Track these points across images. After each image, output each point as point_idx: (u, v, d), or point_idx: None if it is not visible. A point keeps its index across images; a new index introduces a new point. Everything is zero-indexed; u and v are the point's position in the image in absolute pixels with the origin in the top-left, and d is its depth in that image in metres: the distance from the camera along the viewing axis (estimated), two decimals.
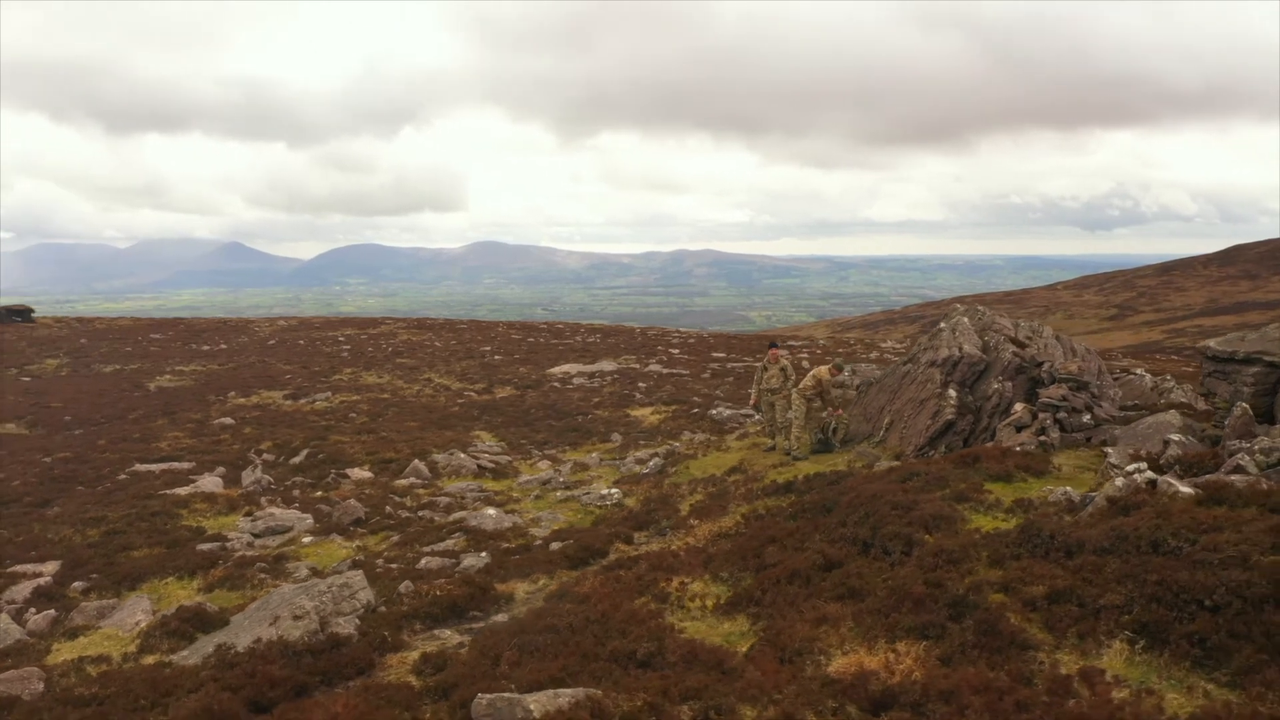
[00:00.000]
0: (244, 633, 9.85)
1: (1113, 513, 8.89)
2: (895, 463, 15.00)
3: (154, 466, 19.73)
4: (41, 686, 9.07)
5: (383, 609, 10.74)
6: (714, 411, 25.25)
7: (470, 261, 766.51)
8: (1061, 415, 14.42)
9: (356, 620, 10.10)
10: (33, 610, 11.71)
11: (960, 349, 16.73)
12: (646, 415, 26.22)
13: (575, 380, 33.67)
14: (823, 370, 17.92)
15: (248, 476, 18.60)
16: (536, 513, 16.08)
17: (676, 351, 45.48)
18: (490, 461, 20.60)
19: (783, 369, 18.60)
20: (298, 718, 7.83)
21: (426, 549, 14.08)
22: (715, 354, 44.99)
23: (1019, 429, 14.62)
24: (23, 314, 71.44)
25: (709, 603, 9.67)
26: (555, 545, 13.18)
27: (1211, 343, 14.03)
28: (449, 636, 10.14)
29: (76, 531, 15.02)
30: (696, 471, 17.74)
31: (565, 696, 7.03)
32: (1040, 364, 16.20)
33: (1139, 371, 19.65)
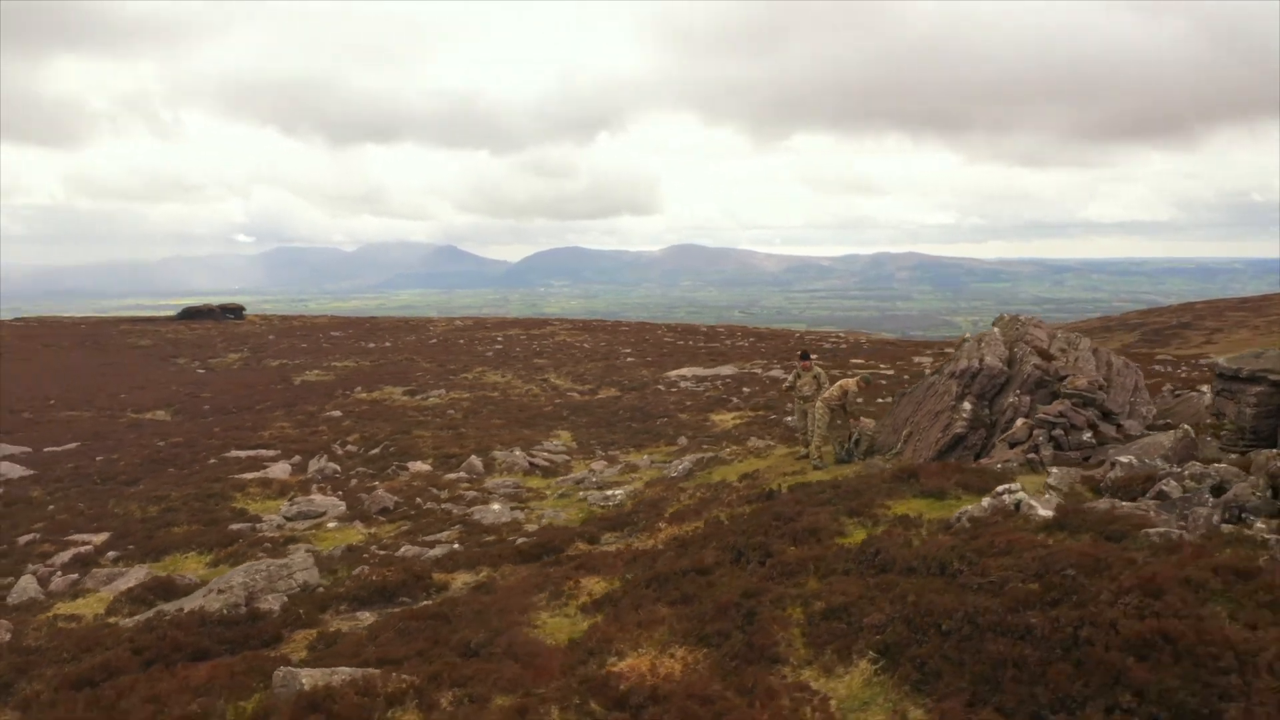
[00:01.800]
0: (189, 603, 11.03)
1: (968, 533, 8.63)
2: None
3: (244, 453, 21.76)
4: (8, 637, 10.53)
5: (321, 589, 11.70)
6: (790, 419, 25.10)
7: (668, 264, 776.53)
8: (1057, 433, 13.72)
9: (285, 599, 11.08)
10: (60, 574, 13.45)
11: (980, 361, 16.11)
12: (727, 420, 26.35)
13: (684, 384, 34.09)
14: (849, 382, 17.68)
15: (313, 465, 20.25)
16: (545, 510, 16.74)
17: (815, 356, 45.07)
18: (546, 460, 21.42)
19: (815, 376, 18.47)
20: (169, 675, 8.84)
21: (424, 538, 15.01)
22: (854, 360, 44.26)
23: (1013, 445, 14.02)
24: (235, 311, 78.81)
25: (584, 600, 10.03)
26: (521, 541, 13.79)
27: (1221, 359, 13.03)
28: (365, 618, 10.93)
29: (140, 508, 16.94)
30: (717, 477, 17.89)
31: (342, 674, 7.66)
32: (1064, 378, 15.40)
33: (1202, 389, 18.09)
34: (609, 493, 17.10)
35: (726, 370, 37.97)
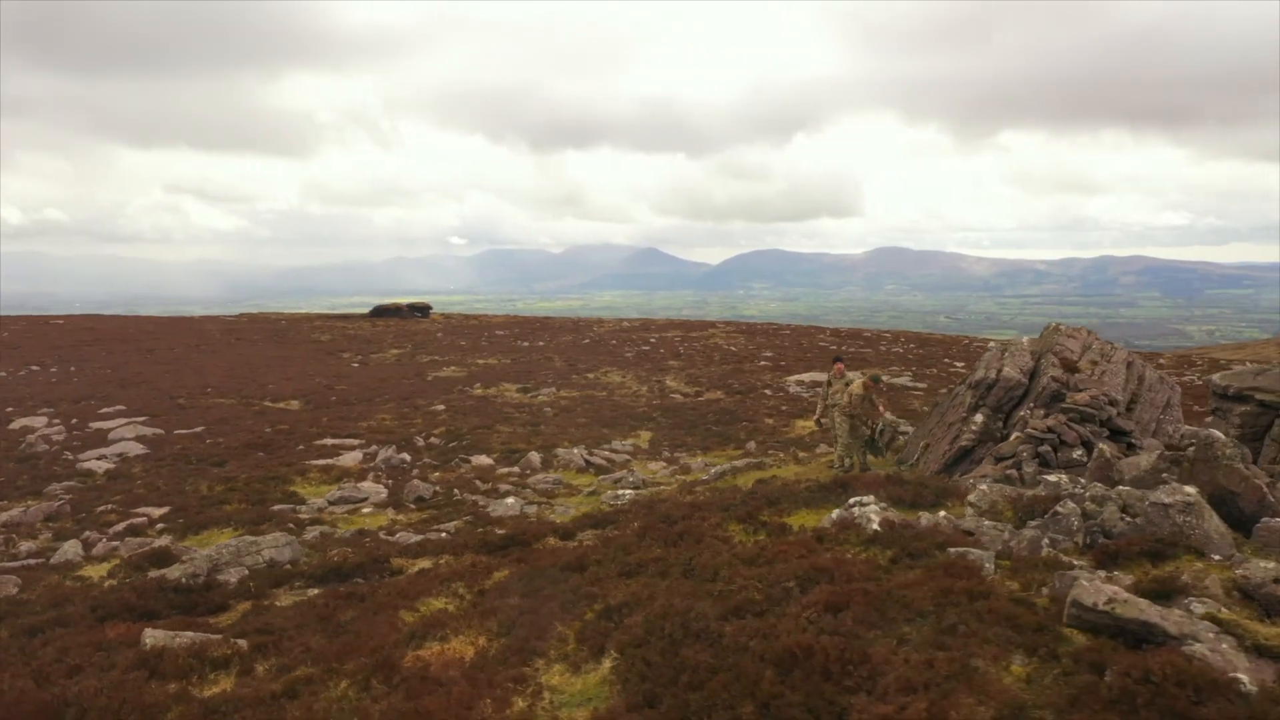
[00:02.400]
0: (171, 571, 12.28)
1: (771, 542, 8.52)
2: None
3: (332, 441, 23.49)
4: (15, 590, 12.10)
5: (288, 567, 12.71)
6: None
7: (871, 267, 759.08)
8: (1044, 449, 12.99)
9: (246, 573, 12.14)
10: (106, 541, 15.17)
11: (998, 372, 15.37)
12: (807, 426, 26.01)
13: (793, 389, 33.77)
14: (856, 385, 17.29)
15: (381, 455, 21.62)
16: (561, 505, 17.27)
17: (961, 365, 43.46)
18: (603, 459, 21.95)
19: (848, 384, 18.13)
20: (94, 631, 9.99)
21: (435, 527, 15.90)
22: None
23: (999, 460, 13.38)
24: (422, 310, 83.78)
25: (479, 589, 10.49)
26: (500, 532, 14.37)
27: (1216, 376, 11.98)
28: (312, 594, 11.83)
29: (208, 486, 18.72)
30: (740, 481, 17.86)
31: (184, 638, 8.51)
32: (1082, 391, 14.49)
33: None
34: (622, 492, 17.43)
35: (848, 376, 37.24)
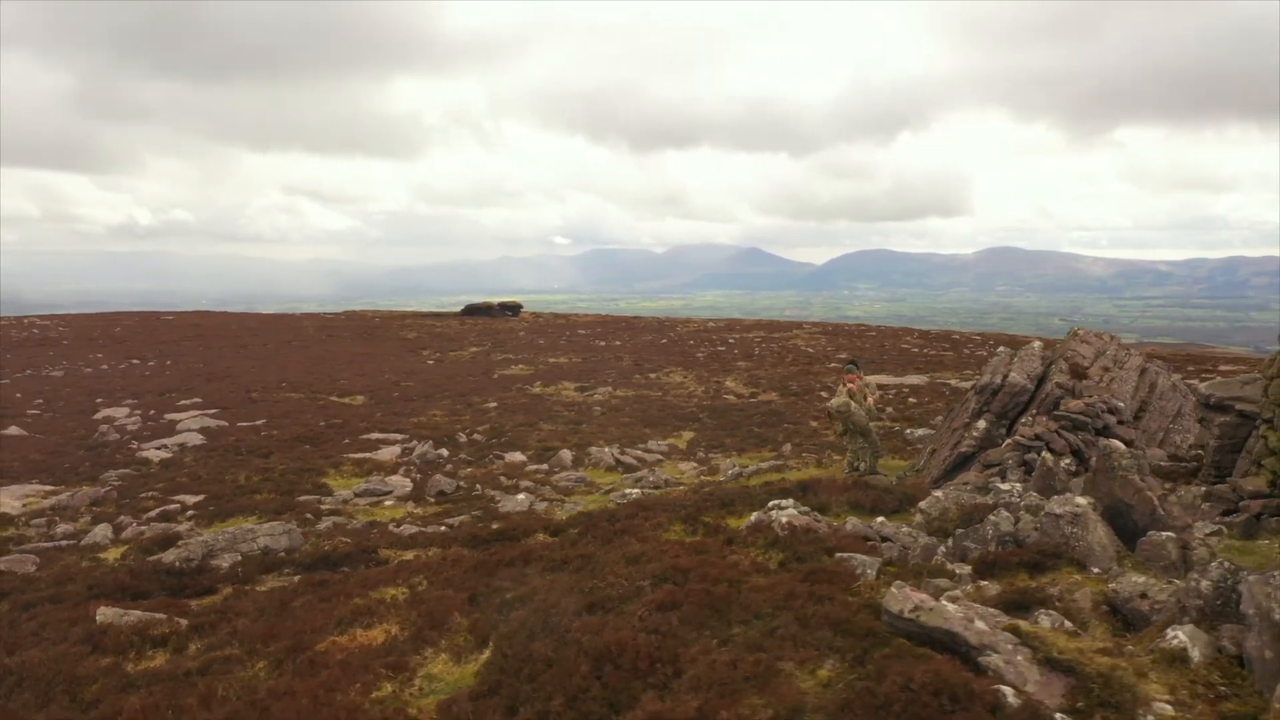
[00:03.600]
0: (169, 555, 13.02)
1: (716, 541, 8.61)
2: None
3: (378, 435, 24.32)
4: (32, 569, 13.01)
5: (281, 554, 13.31)
6: (909, 431, 24.16)
7: (982, 268, 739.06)
8: (1030, 456, 12.70)
9: (239, 558, 12.79)
10: (135, 524, 16.11)
11: (1004, 377, 15.03)
12: None
13: None
14: (842, 390, 17.12)
15: (417, 450, 22.29)
16: (574, 503, 17.57)
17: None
18: (634, 459, 22.19)
19: (865, 385, 17.91)
20: (80, 609, 10.72)
21: (446, 520, 16.38)
22: None
23: (986, 467, 13.13)
24: (513, 309, 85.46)
25: (431, 579, 10.86)
26: (495, 526, 14.74)
27: (1203, 385, 11.54)
28: (294, 582, 12.39)
29: (246, 476, 19.64)
30: (753, 482, 17.84)
31: (132, 616, 9.08)
32: (1077, 399, 14.09)
33: None
34: (630, 491, 17.62)
35: (914, 380, 36.61)
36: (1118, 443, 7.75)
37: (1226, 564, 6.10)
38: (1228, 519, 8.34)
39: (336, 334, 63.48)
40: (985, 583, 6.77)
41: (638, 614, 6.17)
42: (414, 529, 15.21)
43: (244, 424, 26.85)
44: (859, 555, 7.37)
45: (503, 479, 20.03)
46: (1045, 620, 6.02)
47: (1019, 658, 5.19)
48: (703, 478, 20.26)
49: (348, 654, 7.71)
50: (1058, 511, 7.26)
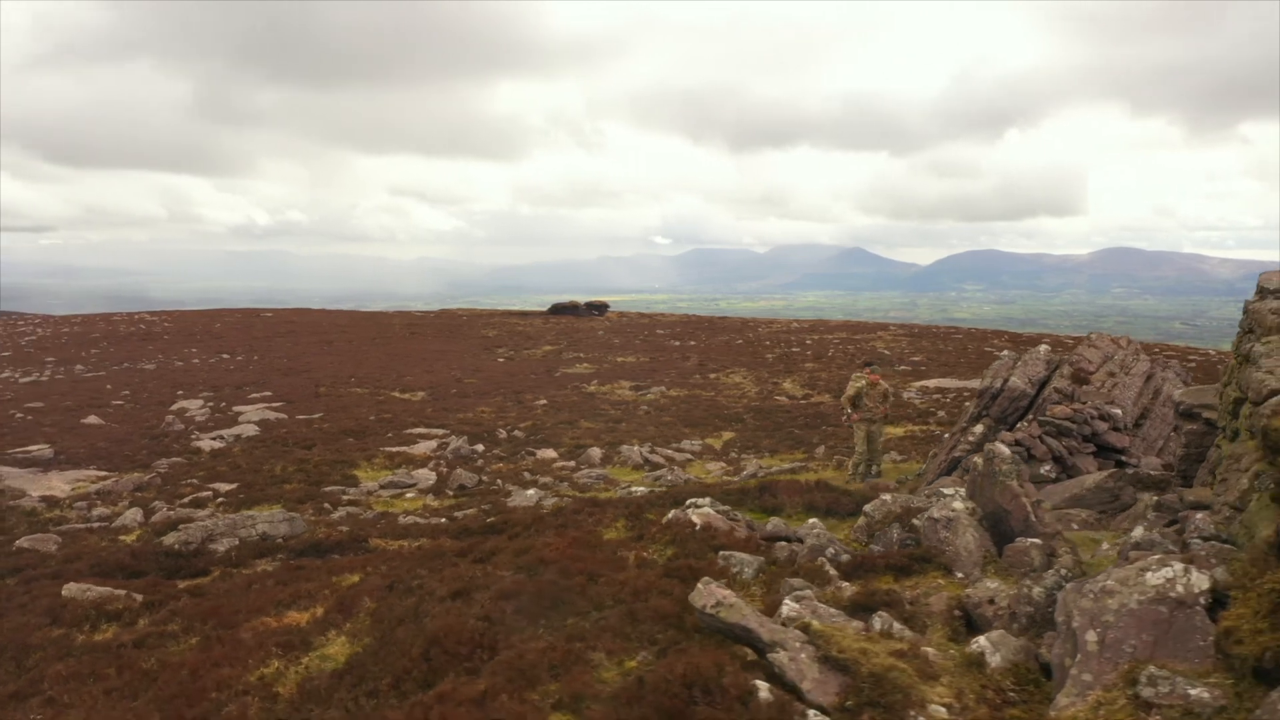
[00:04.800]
0: (171, 537, 13.79)
1: (650, 533, 8.79)
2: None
3: (421, 430, 25.05)
4: (53, 548, 13.95)
5: (279, 540, 13.96)
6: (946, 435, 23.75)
7: (1096, 269, 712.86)
8: None
9: (236, 542, 13.46)
10: (166, 509, 17.04)
11: (1004, 381, 14.73)
12: (893, 432, 25.40)
13: (907, 394, 32.87)
14: (851, 387, 16.96)
15: (452, 445, 22.91)
16: (623, 499, 17.89)
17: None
18: (662, 458, 22.37)
19: (882, 392, 17.74)
20: (86, 582, 11.50)
21: (455, 514, 16.89)
22: None
23: (965, 472, 12.90)
24: (599, 308, 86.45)
25: (389, 567, 11.27)
26: (491, 519, 15.12)
27: (1178, 393, 11.17)
28: (275, 567, 12.99)
29: (282, 467, 20.52)
30: (752, 483, 17.87)
31: (94, 592, 9.71)
32: (1081, 404, 13.73)
33: None
34: (637, 489, 17.82)
35: (974, 383, 35.82)
36: (1002, 447, 7.63)
37: (1063, 571, 6.03)
38: (1169, 529, 8.14)
39: (421, 332, 65.19)
40: (846, 584, 6.79)
41: (481, 601, 6.42)
42: (417, 520, 15.72)
43: (301, 417, 27.98)
44: (742, 555, 7.45)
45: (526, 475, 20.46)
46: (878, 623, 6.04)
47: (803, 655, 5.25)
48: (725, 477, 20.32)
49: (263, 634, 8.15)
50: (936, 516, 7.22)
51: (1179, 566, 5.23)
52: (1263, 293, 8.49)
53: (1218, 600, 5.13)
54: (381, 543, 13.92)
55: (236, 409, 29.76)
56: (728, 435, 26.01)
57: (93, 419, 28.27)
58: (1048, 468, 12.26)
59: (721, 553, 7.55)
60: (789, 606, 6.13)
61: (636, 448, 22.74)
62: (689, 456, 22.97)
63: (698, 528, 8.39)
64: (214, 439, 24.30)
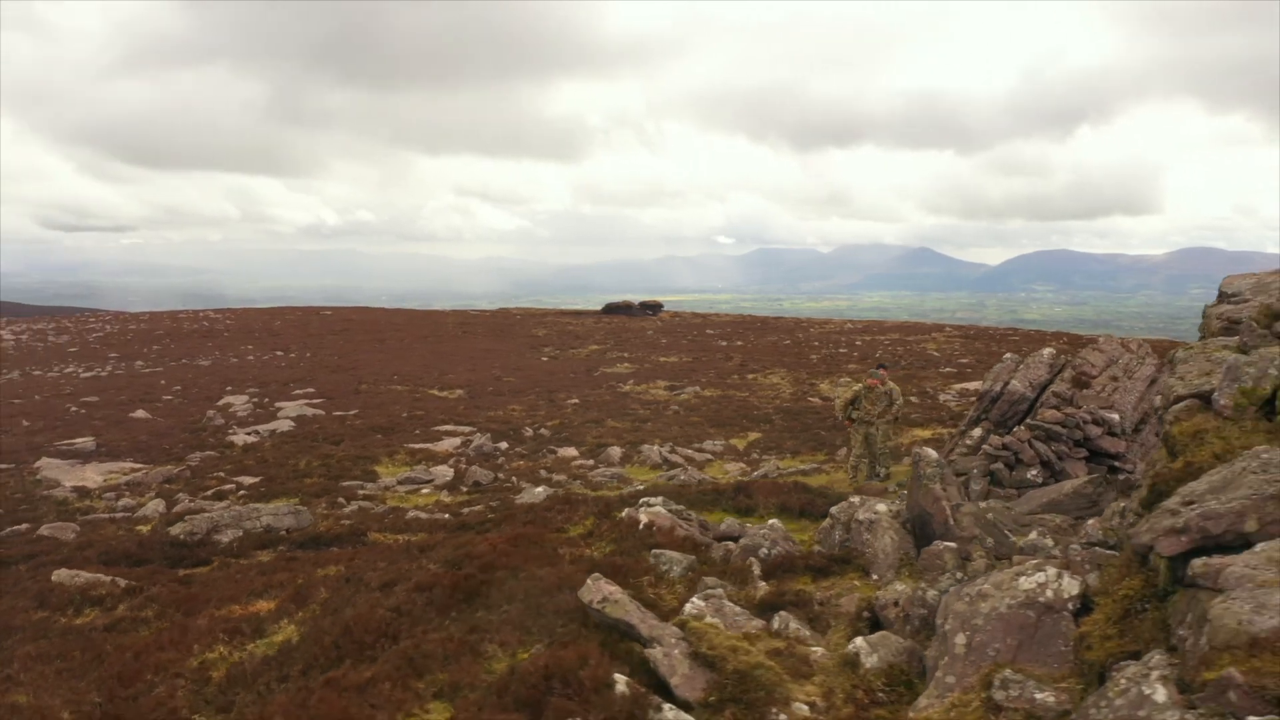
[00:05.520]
0: (177, 528, 14.31)
1: (599, 530, 8.95)
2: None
3: (449, 427, 25.50)
4: (71, 536, 14.57)
5: (282, 532, 14.40)
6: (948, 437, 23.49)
7: (1173, 270, 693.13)
8: (996, 466, 12.35)
9: (240, 534, 13.93)
10: (188, 500, 17.64)
11: (1003, 384, 14.57)
12: (920, 434, 25.17)
13: (944, 397, 32.50)
14: (849, 390, 16.86)
15: (475, 442, 23.29)
16: (598, 496, 18.07)
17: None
18: (681, 458, 22.47)
19: (888, 392, 17.63)
20: (91, 570, 12.03)
21: (464, 510, 17.22)
22: None
23: (957, 475, 12.81)
24: (653, 308, 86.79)
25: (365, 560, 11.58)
26: (491, 516, 15.38)
27: (1157, 399, 10.97)
28: (270, 558, 13.40)
29: (306, 462, 21.07)
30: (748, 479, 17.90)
31: (81, 577, 10.16)
32: (1075, 408, 13.53)
33: None
34: (638, 486, 17.96)
35: None
36: (929, 451, 7.62)
37: (959, 575, 6.05)
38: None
39: (472, 330, 66.07)
40: (764, 584, 6.87)
41: (399, 593, 6.64)
42: (421, 515, 16.06)
43: (338, 413, 28.65)
44: (673, 553, 7.57)
45: (543, 473, 20.72)
46: (776, 622, 6.12)
47: (676, 651, 5.36)
48: (740, 478, 20.35)
49: (222, 620, 8.48)
50: (860, 518, 7.25)
51: (1052, 572, 5.23)
52: (1221, 296, 8.36)
53: (1086, 606, 5.13)
54: (380, 537, 14.27)
55: (278, 405, 30.57)
56: (753, 436, 26.00)
57: (140, 413, 29.27)
58: (1034, 472, 12.12)
59: (654, 551, 7.67)
60: (694, 604, 6.24)
61: (656, 447, 22.87)
62: (709, 457, 23.03)
63: (640, 526, 8.52)
64: (249, 434, 25.03)
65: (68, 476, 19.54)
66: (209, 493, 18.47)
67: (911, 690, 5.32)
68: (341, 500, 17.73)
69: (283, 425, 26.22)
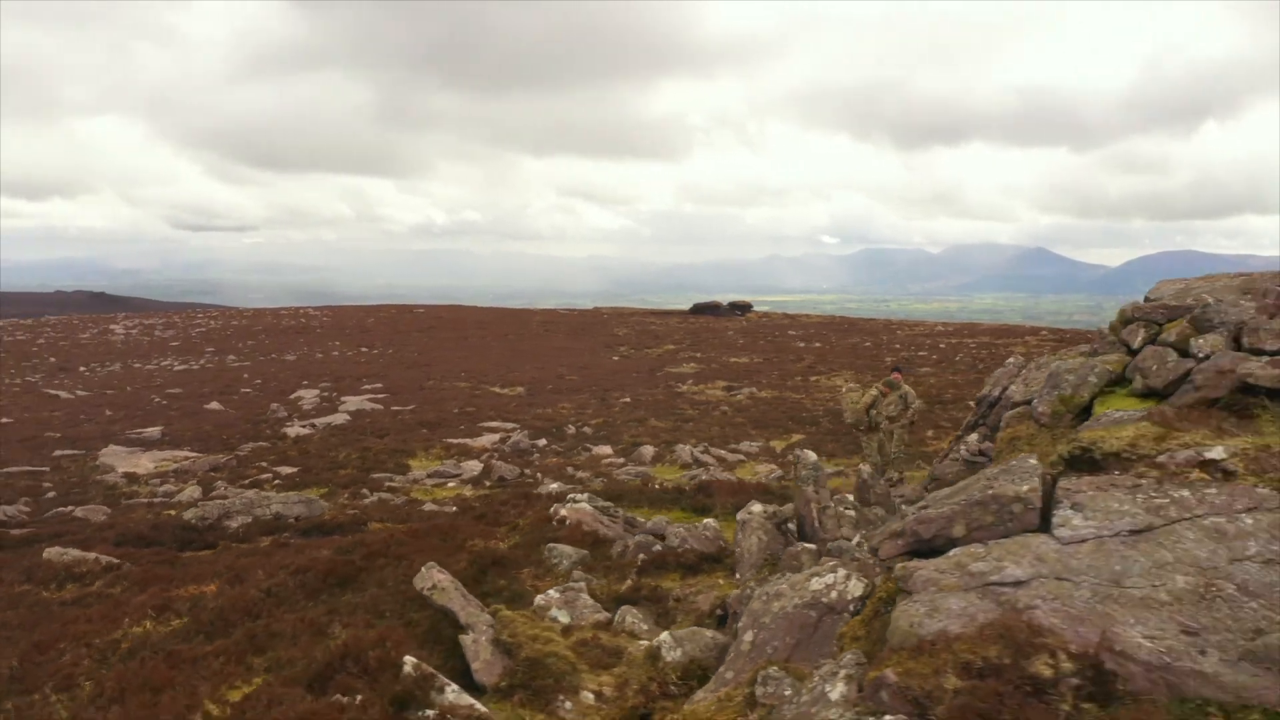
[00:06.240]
0: (186, 514, 15.11)
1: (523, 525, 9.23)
2: None
3: (494, 423, 26.12)
4: (102, 518, 15.56)
5: (292, 520, 15.08)
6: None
7: None
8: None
9: (250, 520, 14.66)
10: (224, 486, 18.58)
11: (1002, 389, 14.25)
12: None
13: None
14: (863, 394, 16.64)
15: (512, 439, 23.81)
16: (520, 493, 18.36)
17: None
18: (715, 458, 22.56)
19: (903, 396, 17.41)
20: (101, 548, 12.89)
21: (476, 502, 17.72)
22: None
23: (934, 478, 12.64)
24: (742, 308, 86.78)
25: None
26: (475, 506, 15.82)
27: None
28: (267, 544, 14.05)
29: (346, 454, 21.90)
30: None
31: (88, 558, 10.92)
32: None
33: None
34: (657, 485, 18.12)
35: None
36: (809, 453, 7.63)
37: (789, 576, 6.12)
38: None
39: (555, 329, 67.05)
40: (630, 580, 7.04)
41: (277, 576, 7.03)
42: (432, 507, 16.58)
43: (396, 408, 29.61)
44: (564, 547, 7.79)
45: (569, 470, 21.06)
46: (618, 616, 6.30)
47: (483, 638, 5.59)
48: (767, 479, 20.34)
49: (161, 598, 9.05)
50: (741, 519, 7.34)
51: (841, 574, 5.28)
52: (1146, 300, 8.15)
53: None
54: (379, 526, 14.77)
55: (344, 399, 31.75)
56: (796, 437, 25.85)
57: (214, 405, 30.82)
58: None
59: (549, 545, 7.91)
60: (547, 596, 6.48)
61: (689, 448, 22.98)
62: (742, 458, 23.03)
63: (554, 521, 8.75)
64: (304, 426, 26.11)
65: (123, 463, 20.79)
66: (246, 481, 19.40)
67: (704, 684, 5.44)
68: (365, 491, 18.41)
69: (339, 419, 27.26)
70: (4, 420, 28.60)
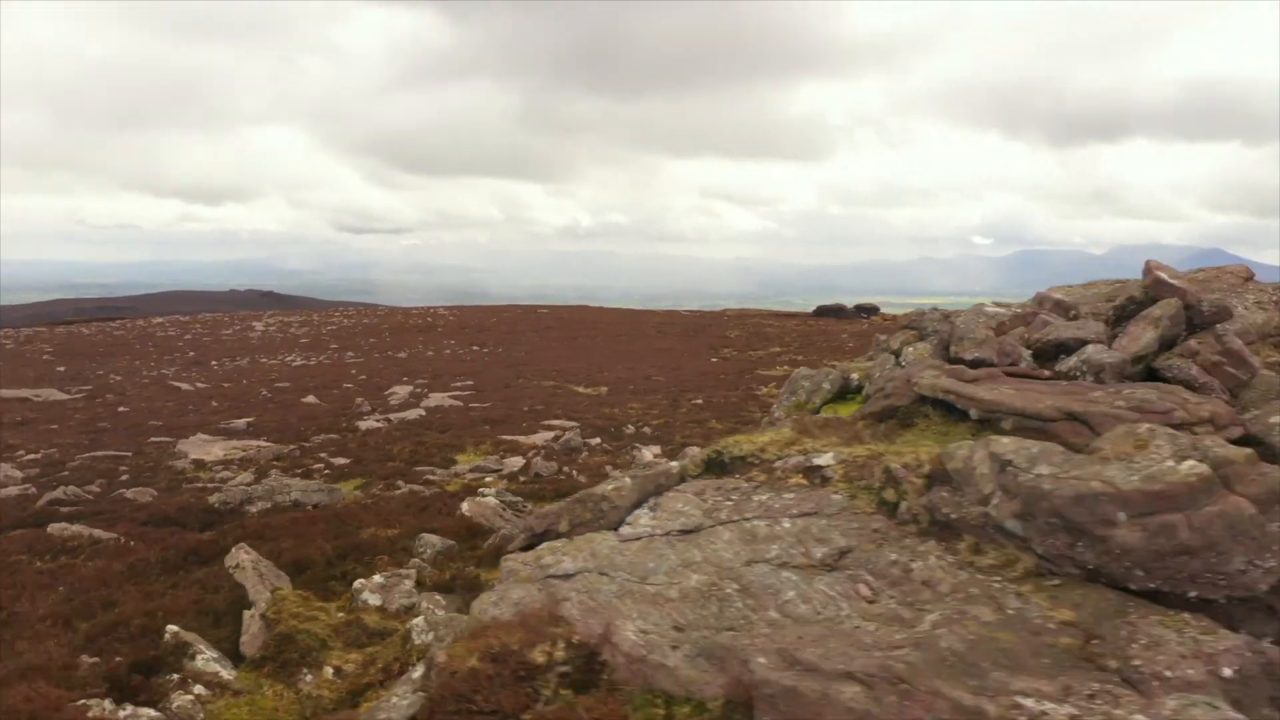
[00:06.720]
0: (211, 498, 16.23)
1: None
2: None
3: (557, 421, 26.80)
4: (148, 499, 16.92)
5: (310, 507, 16.01)
6: None
7: None
8: None
9: (269, 506, 15.67)
10: (275, 474, 19.81)
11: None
12: None
13: None
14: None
15: (564, 436, 24.37)
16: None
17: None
18: None
19: None
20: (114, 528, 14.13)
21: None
22: None
23: None
24: (869, 311, 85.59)
25: None
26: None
27: None
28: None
29: (401, 448, 22.92)
30: None
31: (103, 536, 12.02)
32: None
33: None
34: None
35: None
36: (693, 448, 7.74)
37: None
38: None
39: (668, 330, 67.60)
40: (454, 569, 7.39)
41: (149, 555, 7.72)
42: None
43: (474, 405, 30.70)
44: (432, 537, 8.20)
45: (608, 468, 21.46)
46: (422, 601, 6.67)
47: (257, 614, 6.06)
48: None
49: (76, 570, 9.94)
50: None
51: None
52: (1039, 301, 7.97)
53: None
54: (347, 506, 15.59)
55: (431, 395, 33.11)
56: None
57: (310, 399, 32.67)
58: None
59: (421, 535, 8.34)
60: (367, 581, 6.90)
61: None
62: None
63: (455, 514, 9.17)
64: (378, 420, 27.42)
65: (197, 450, 22.41)
66: (299, 471, 20.60)
67: None
68: (400, 483, 19.27)
69: (413, 414, 28.48)
70: (121, 409, 31.16)
